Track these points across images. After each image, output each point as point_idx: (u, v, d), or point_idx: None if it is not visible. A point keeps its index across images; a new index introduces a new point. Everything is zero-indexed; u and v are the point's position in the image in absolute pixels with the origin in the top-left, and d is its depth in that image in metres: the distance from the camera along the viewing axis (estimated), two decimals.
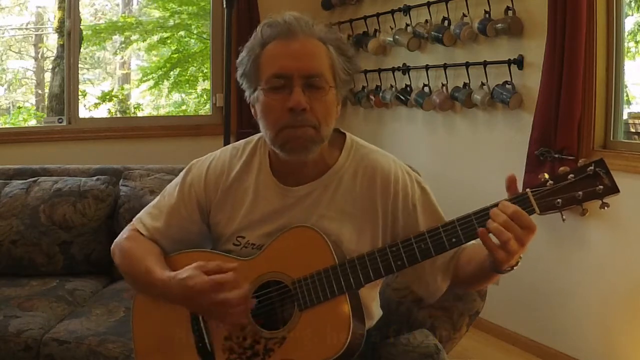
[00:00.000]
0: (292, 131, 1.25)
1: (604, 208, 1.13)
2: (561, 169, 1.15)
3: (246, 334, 1.28)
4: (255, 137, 1.44)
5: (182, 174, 1.47)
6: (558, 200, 1.13)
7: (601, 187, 1.12)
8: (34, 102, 4.43)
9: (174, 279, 1.28)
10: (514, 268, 1.20)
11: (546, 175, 1.15)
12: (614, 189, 1.12)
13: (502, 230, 1.12)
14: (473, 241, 1.22)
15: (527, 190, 1.15)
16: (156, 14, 4.46)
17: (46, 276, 2.37)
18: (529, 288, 2.96)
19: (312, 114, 1.24)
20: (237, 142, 1.47)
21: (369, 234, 1.35)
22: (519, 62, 2.90)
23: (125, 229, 1.47)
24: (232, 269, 1.25)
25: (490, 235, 1.15)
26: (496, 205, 1.16)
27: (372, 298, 1.46)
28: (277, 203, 1.36)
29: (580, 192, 1.12)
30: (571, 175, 1.13)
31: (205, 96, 4.59)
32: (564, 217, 1.15)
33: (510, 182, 1.17)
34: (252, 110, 1.35)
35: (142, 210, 1.49)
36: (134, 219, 1.48)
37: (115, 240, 1.47)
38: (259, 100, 1.29)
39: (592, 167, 1.12)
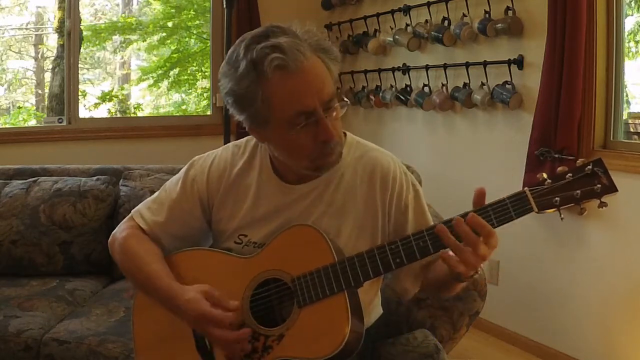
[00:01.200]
0: (327, 158, 1.27)
1: (602, 207, 1.13)
2: (559, 168, 1.16)
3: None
4: None
5: (183, 170, 1.47)
6: (556, 198, 1.14)
7: (599, 186, 1.12)
8: (34, 102, 4.43)
9: (178, 295, 1.28)
10: (474, 277, 1.22)
11: (544, 175, 1.16)
12: (612, 188, 1.12)
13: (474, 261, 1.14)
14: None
15: (525, 189, 1.16)
16: (157, 6, 4.44)
17: (46, 276, 2.37)
18: (528, 288, 2.97)
19: (336, 133, 1.25)
20: (238, 140, 1.48)
21: (369, 230, 1.36)
22: (519, 62, 2.90)
23: (123, 222, 1.46)
24: (235, 309, 1.26)
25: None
26: (494, 203, 1.16)
27: (372, 296, 1.47)
28: (279, 200, 1.37)
29: (578, 191, 1.13)
30: (569, 174, 1.14)
31: (205, 96, 4.59)
32: (562, 215, 1.15)
33: (479, 196, 1.18)
34: (256, 135, 1.33)
35: (141, 204, 1.48)
36: (132, 212, 1.47)
37: (113, 234, 1.46)
38: (276, 134, 1.26)
39: (590, 167, 1.13)
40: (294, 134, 1.22)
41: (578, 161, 1.15)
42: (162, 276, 1.33)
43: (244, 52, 1.22)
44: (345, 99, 1.30)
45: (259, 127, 1.28)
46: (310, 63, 1.21)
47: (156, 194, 1.49)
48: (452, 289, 1.33)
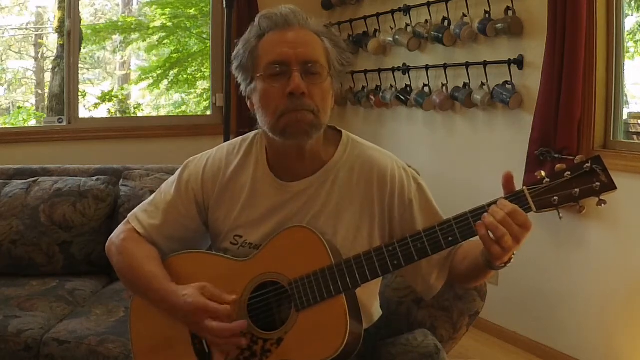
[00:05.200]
0: (293, 115, 1.26)
1: (601, 205, 1.12)
2: (558, 166, 1.14)
3: (243, 335, 1.28)
4: (251, 134, 1.44)
5: (178, 171, 1.47)
6: (554, 197, 1.13)
7: (598, 183, 1.11)
8: (34, 102, 4.42)
9: (175, 292, 1.29)
10: (507, 265, 1.20)
11: (543, 173, 1.15)
12: (611, 186, 1.11)
13: (498, 226, 1.12)
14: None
15: (524, 188, 1.15)
16: (157, 23, 4.45)
17: (46, 276, 2.37)
18: (528, 288, 2.97)
19: (311, 99, 1.26)
20: (233, 140, 1.48)
21: (366, 229, 1.35)
22: (519, 62, 2.90)
23: (120, 226, 1.47)
24: (231, 301, 1.26)
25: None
26: (494, 202, 1.16)
27: (372, 297, 1.46)
28: (275, 199, 1.36)
29: (577, 189, 1.12)
30: (568, 172, 1.13)
31: (205, 96, 4.59)
32: (560, 214, 1.14)
33: (507, 180, 1.17)
34: (249, 103, 1.35)
35: (137, 208, 1.48)
36: (128, 216, 1.47)
37: (110, 238, 1.46)
38: (256, 90, 1.30)
39: (588, 164, 1.12)
40: (266, 84, 1.27)
41: (576, 158, 1.13)
42: (159, 277, 1.33)
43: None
44: (327, 72, 1.30)
45: (249, 89, 1.33)
46: (302, 29, 1.29)
47: (152, 196, 1.49)
48: (482, 277, 1.33)
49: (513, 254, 1.19)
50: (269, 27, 1.29)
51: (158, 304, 1.33)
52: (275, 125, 1.28)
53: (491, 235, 1.14)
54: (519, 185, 1.17)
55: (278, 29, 1.29)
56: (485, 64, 3.01)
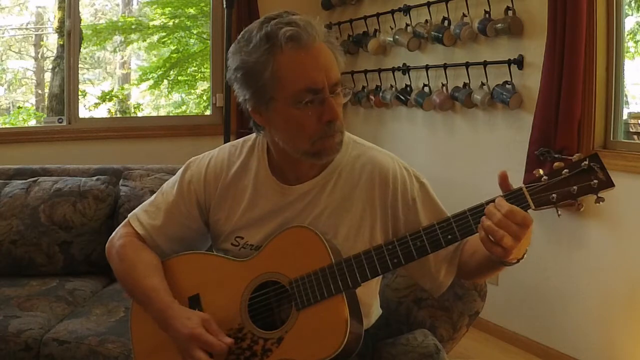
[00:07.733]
0: (328, 140, 1.25)
1: (599, 203, 1.12)
2: (556, 164, 1.15)
3: (244, 335, 1.28)
4: (253, 135, 1.43)
5: (180, 171, 1.46)
6: (553, 195, 1.13)
7: (596, 181, 1.11)
8: (34, 102, 4.43)
9: (177, 313, 1.27)
10: (520, 261, 1.20)
11: (541, 171, 1.15)
12: (608, 183, 1.11)
13: (495, 229, 1.12)
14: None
15: (522, 186, 1.15)
16: (156, 22, 4.46)
17: (46, 276, 2.37)
18: (528, 288, 2.97)
19: (339, 119, 1.25)
20: (235, 141, 1.47)
21: (367, 230, 1.35)
22: (519, 62, 2.90)
23: (120, 227, 1.46)
24: (229, 344, 1.24)
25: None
26: (492, 201, 1.16)
27: (372, 297, 1.46)
28: (276, 201, 1.36)
29: (575, 187, 1.12)
30: (566, 170, 1.13)
31: (205, 96, 4.59)
32: (559, 212, 1.14)
33: (503, 179, 1.17)
34: (257, 117, 1.30)
35: (138, 208, 1.47)
36: (129, 216, 1.47)
37: (110, 239, 1.45)
38: (280, 112, 1.25)
39: (586, 162, 1.12)
40: (298, 111, 1.22)
41: (574, 156, 1.14)
42: (160, 291, 1.32)
43: (258, 28, 1.24)
44: (348, 89, 1.30)
45: (263, 106, 1.27)
46: (322, 46, 1.23)
47: (153, 196, 1.48)
48: (494, 272, 1.31)
49: (526, 250, 1.19)
50: (288, 40, 1.20)
51: (154, 315, 1.31)
52: (309, 150, 1.26)
53: (491, 238, 1.14)
54: (515, 183, 1.17)
55: (301, 46, 1.20)
56: (485, 64, 3.01)
